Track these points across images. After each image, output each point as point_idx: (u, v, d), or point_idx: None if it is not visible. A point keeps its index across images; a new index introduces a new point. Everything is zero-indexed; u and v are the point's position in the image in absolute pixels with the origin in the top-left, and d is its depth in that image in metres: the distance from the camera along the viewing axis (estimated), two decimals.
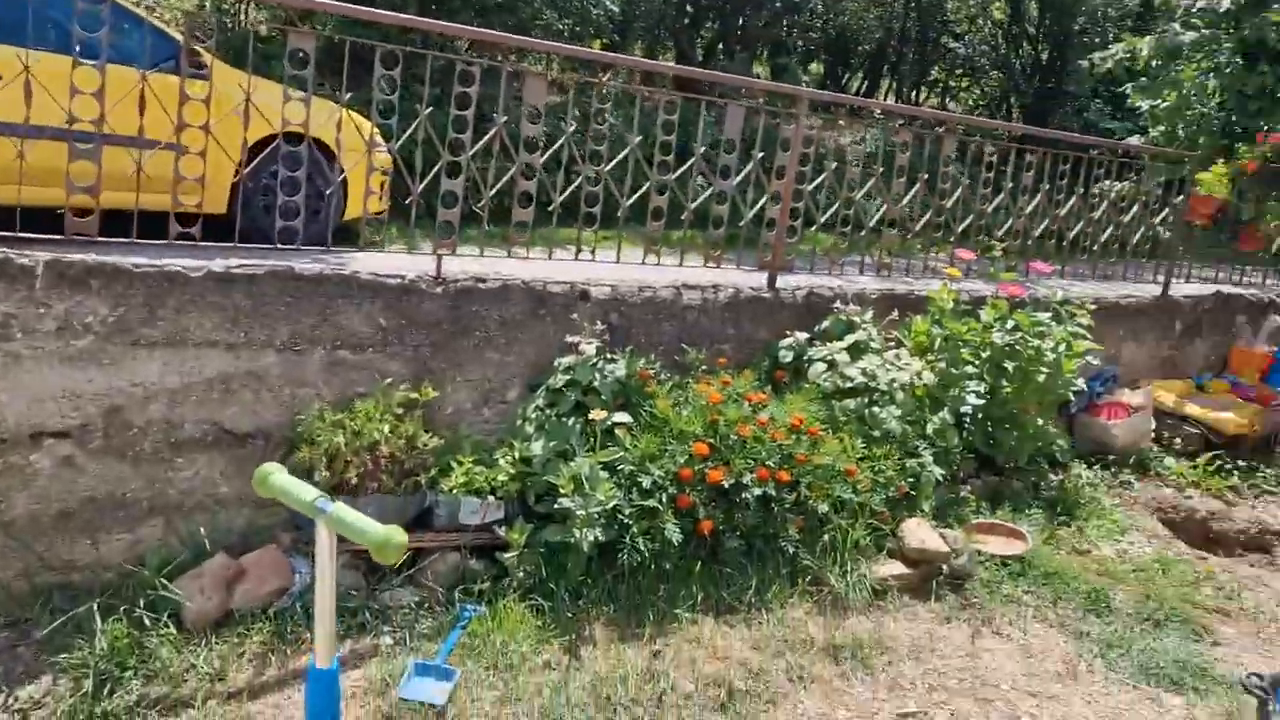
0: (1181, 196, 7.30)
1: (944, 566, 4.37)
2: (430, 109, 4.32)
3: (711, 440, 4.22)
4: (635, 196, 4.91)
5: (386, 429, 3.87)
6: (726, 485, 4.10)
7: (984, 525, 4.89)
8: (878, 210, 5.98)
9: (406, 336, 4.19)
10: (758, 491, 4.13)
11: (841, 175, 5.83)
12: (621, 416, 4.19)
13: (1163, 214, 7.38)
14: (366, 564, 3.90)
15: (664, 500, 3.98)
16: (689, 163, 5.04)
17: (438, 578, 3.86)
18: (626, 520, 3.89)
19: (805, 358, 4.98)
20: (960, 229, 6.26)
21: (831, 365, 4.86)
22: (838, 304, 5.22)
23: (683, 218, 5.15)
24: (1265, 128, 7.52)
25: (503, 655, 3.49)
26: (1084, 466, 5.92)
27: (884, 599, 4.20)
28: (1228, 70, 7.51)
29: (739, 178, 5.20)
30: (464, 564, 3.94)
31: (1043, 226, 6.65)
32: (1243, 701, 3.60)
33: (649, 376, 4.45)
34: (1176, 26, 7.76)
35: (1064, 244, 6.87)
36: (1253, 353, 7.60)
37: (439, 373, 4.27)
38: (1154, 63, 7.86)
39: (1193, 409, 6.66)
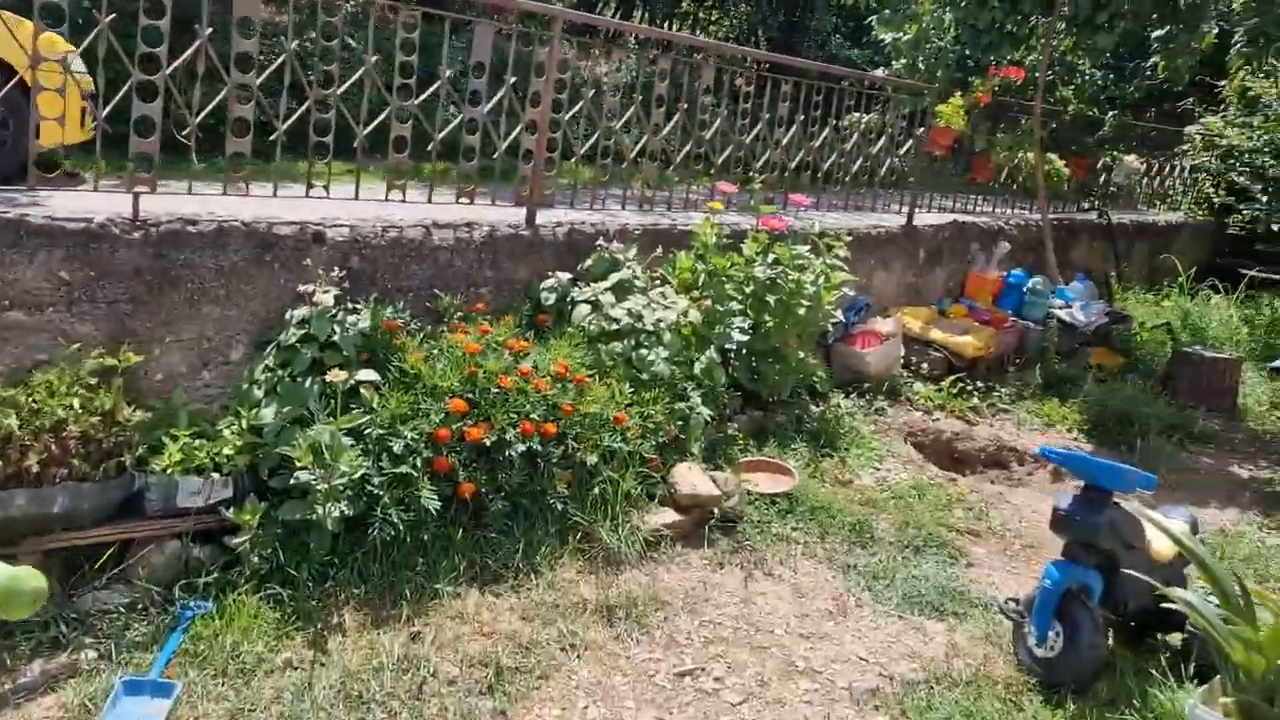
0: (923, 128, 7.56)
1: (715, 510, 4.27)
2: (113, 16, 3.61)
3: (470, 395, 3.86)
4: (374, 125, 4.39)
5: (76, 404, 3.24)
6: (488, 443, 3.77)
7: (752, 463, 4.85)
8: (637, 142, 5.74)
9: (98, 292, 3.52)
10: (522, 447, 3.83)
11: (600, 105, 5.52)
12: (366, 374, 3.75)
13: (907, 145, 7.61)
14: (62, 563, 3.29)
15: (419, 465, 3.60)
16: (434, 87, 4.56)
17: (153, 573, 3.31)
18: (376, 490, 3.49)
19: (569, 299, 4.69)
20: (720, 161, 6.14)
21: (596, 306, 4.61)
22: (600, 241, 4.95)
23: (430, 149, 4.68)
24: (995, 61, 7.89)
25: (235, 658, 3.03)
26: (842, 396, 6.04)
27: (657, 550, 4.04)
28: (962, 5, 7.79)
29: (490, 105, 4.78)
30: (186, 554, 3.40)
31: (799, 158, 6.66)
32: (1000, 624, 3.74)
33: (397, 327, 4.02)
34: None
35: (818, 175, 6.93)
36: (986, 278, 8.08)
37: (143, 334, 3.64)
38: None
39: (937, 334, 6.97)
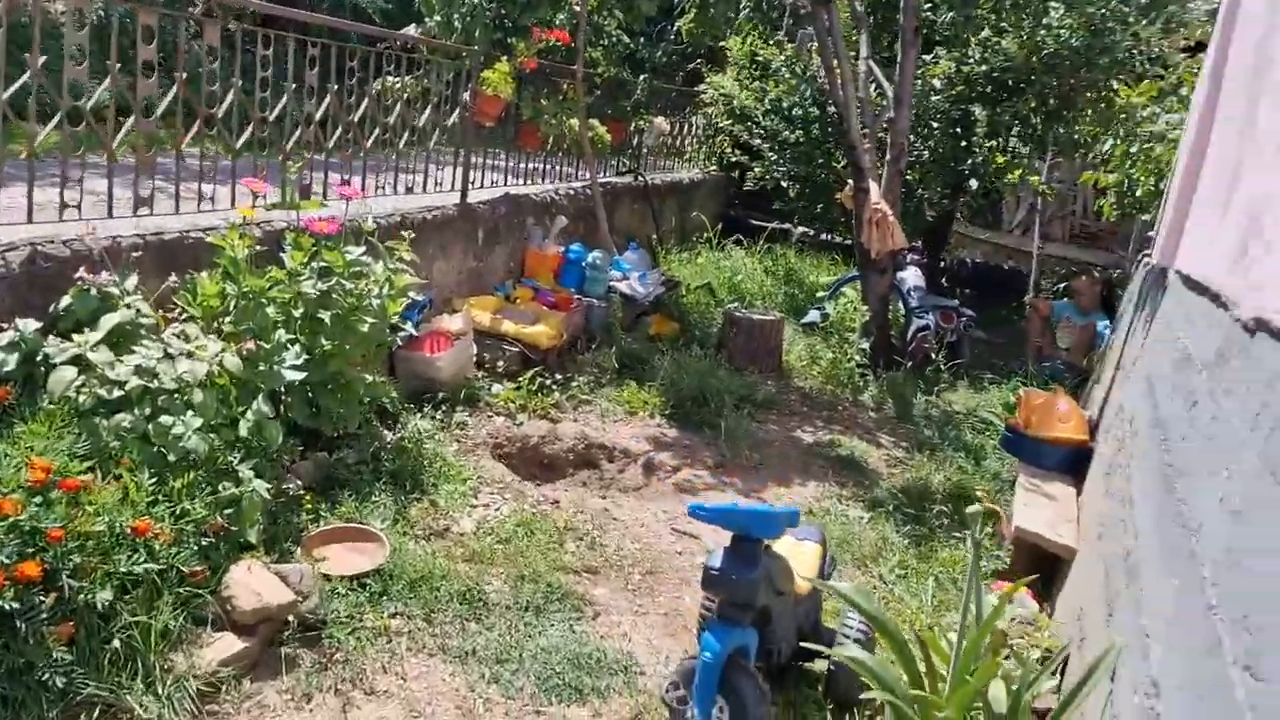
0: (468, 95, 6.84)
1: (292, 619, 3.30)
2: None
3: None
4: None
5: None
6: None
7: (328, 533, 3.91)
8: (119, 115, 4.34)
9: None
10: None
11: (59, 53, 4.04)
12: None
13: (454, 114, 6.86)
14: None
15: None
16: None
17: None
18: None
19: (41, 360, 3.33)
20: (239, 144, 4.90)
21: (86, 367, 3.31)
22: (82, 271, 3.59)
23: None
24: (537, 22, 7.36)
25: None
26: (417, 414, 5.23)
27: (218, 698, 2.98)
28: None
29: None
30: None
31: (337, 135, 5.60)
32: (648, 693, 3.27)
33: None
34: None
35: (362, 154, 5.92)
36: (545, 254, 7.67)
37: None
38: None
39: (509, 327, 6.40)
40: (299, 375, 4.03)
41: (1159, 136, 7.51)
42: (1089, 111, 9.25)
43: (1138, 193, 7.75)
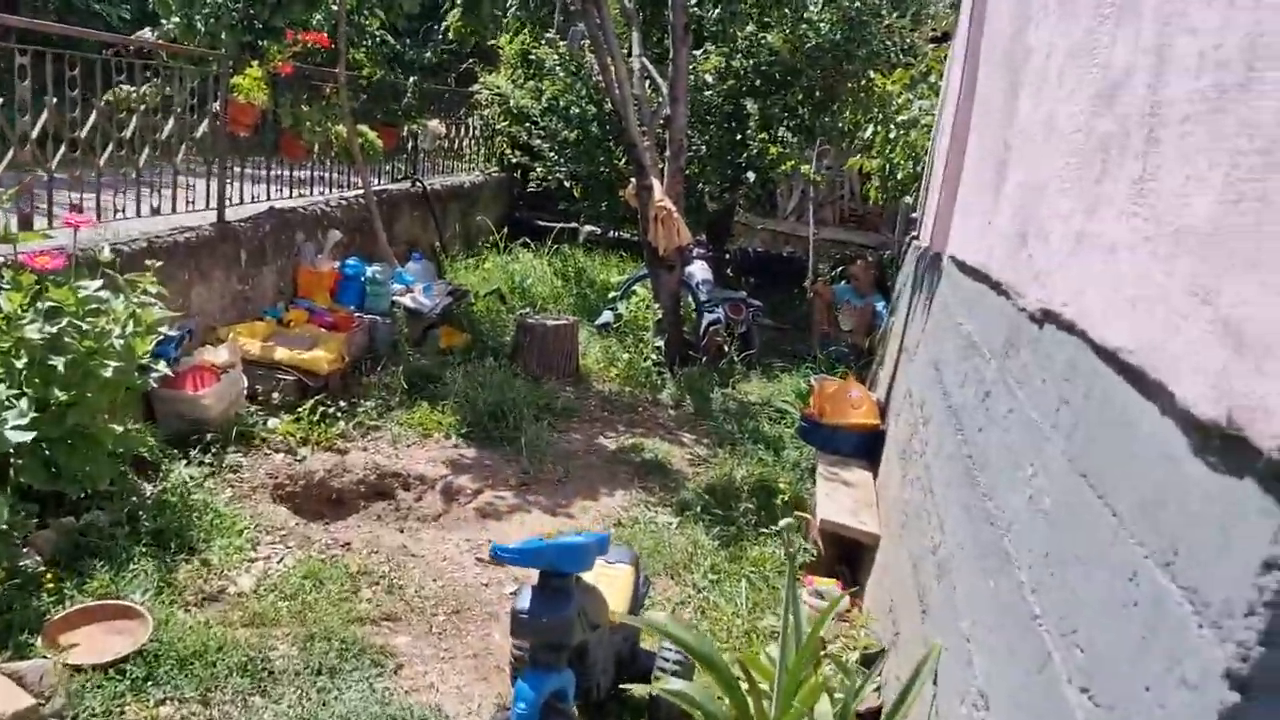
0: (219, 103, 6.26)
1: None
2: None
3: None
4: None
5: None
6: None
7: (77, 615, 3.39)
8: None
9: None
10: None
11: None
12: None
13: (203, 125, 6.26)
14: None
15: None
16: None
17: None
18: None
19: None
20: None
21: None
22: None
23: None
24: (291, 24, 6.84)
25: None
26: (182, 461, 4.71)
27: None
28: None
29: None
30: None
31: (59, 154, 4.95)
32: None
33: None
34: None
35: (96, 174, 5.28)
36: (319, 272, 7.17)
37: None
38: None
39: (283, 354, 5.90)
40: (28, 435, 3.48)
41: (913, 122, 7.89)
42: (851, 101, 9.63)
43: (899, 176, 8.12)
